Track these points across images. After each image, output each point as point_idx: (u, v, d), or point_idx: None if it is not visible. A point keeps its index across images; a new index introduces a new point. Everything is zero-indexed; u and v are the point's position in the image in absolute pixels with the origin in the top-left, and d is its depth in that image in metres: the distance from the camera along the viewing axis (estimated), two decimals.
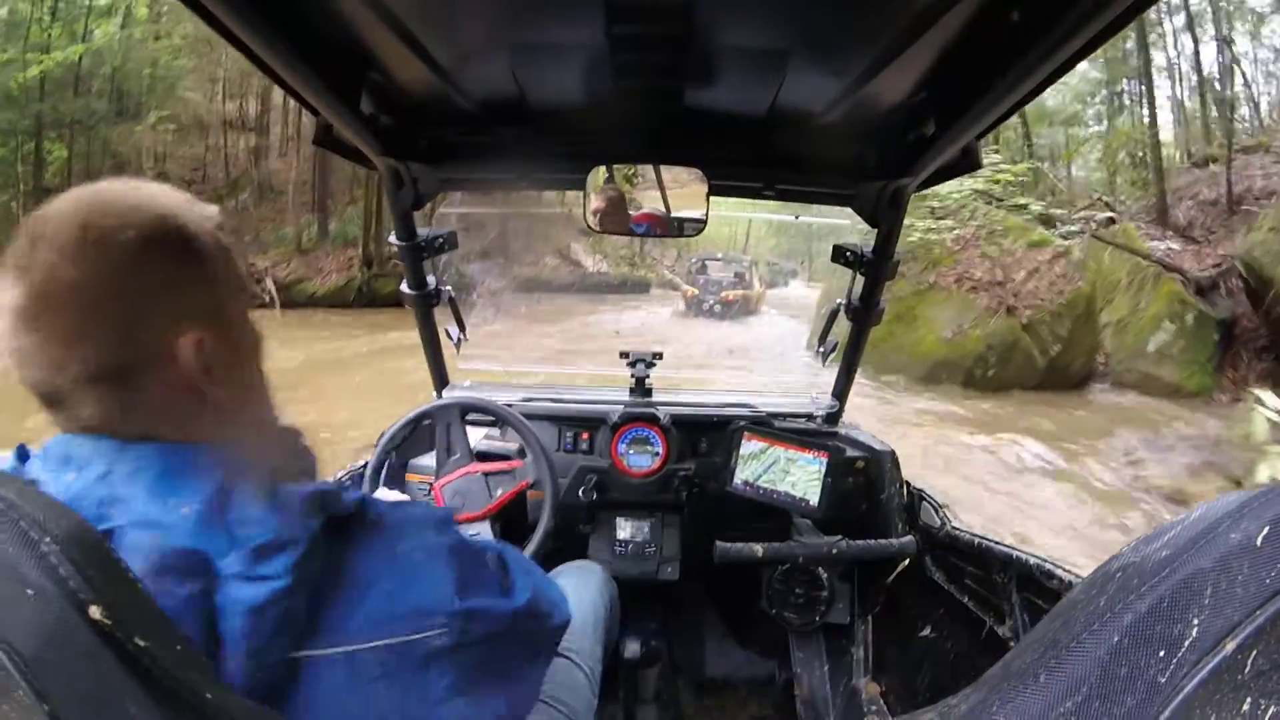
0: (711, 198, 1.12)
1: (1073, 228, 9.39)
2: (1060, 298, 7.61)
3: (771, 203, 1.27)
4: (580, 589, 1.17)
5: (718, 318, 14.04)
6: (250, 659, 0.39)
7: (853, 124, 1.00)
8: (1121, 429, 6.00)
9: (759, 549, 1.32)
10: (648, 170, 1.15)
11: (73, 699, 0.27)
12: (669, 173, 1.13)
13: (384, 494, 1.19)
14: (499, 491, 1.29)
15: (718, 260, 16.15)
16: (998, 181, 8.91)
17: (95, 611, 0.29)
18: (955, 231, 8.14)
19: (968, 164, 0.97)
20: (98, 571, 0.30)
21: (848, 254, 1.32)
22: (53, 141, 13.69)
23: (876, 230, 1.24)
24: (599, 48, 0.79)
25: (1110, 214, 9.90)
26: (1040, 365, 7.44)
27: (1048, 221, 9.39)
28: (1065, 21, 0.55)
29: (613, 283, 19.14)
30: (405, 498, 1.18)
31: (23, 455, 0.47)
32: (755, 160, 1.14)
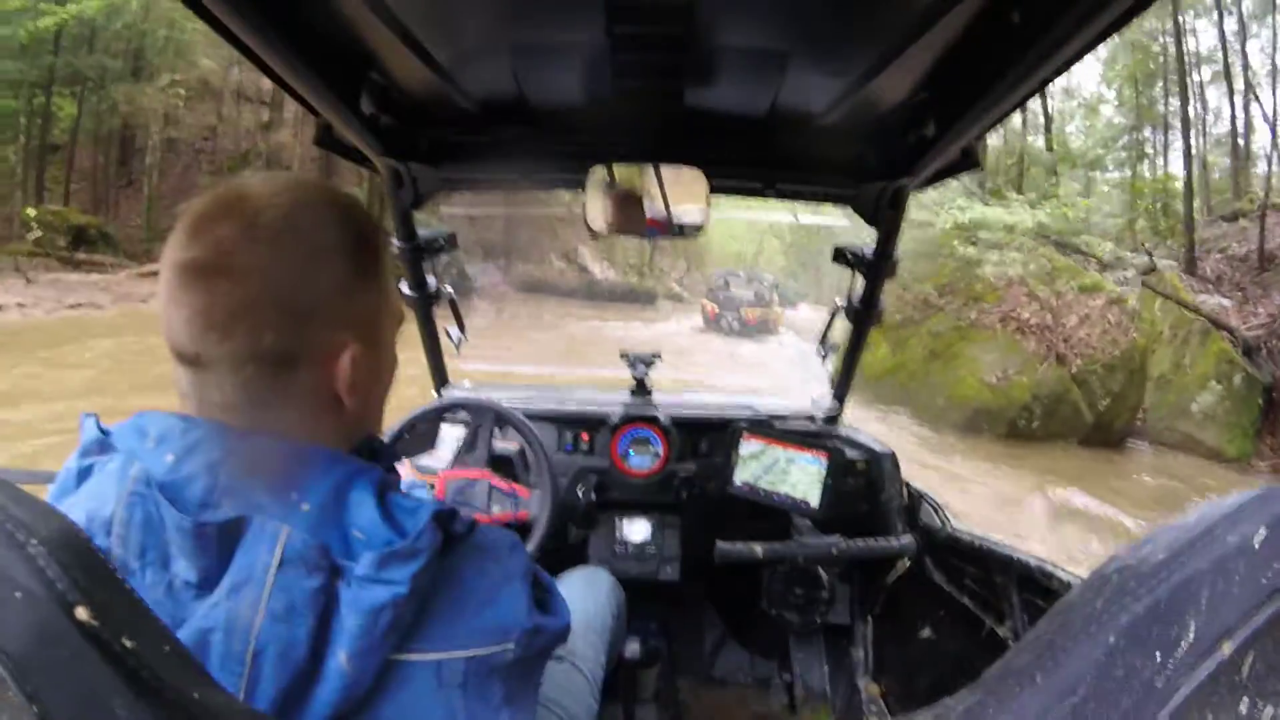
0: (711, 200, 1.12)
1: (1127, 273, 9.01)
2: (1114, 348, 7.13)
3: (774, 212, 1.26)
4: (588, 594, 1.17)
5: (738, 335, 13.93)
6: (357, 657, 0.41)
7: (853, 124, 1.00)
8: (1185, 497, 5.75)
9: (759, 549, 1.32)
10: (649, 166, 1.15)
11: (62, 700, 0.27)
12: (669, 173, 1.13)
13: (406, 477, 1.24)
14: (495, 509, 1.28)
15: (739, 277, 16.08)
16: (1065, 215, 8.58)
17: (82, 612, 0.29)
18: (1029, 266, 7.76)
19: (967, 164, 0.97)
20: (84, 573, 0.30)
21: (848, 255, 1.32)
22: (63, 97, 13.23)
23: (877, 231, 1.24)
24: (599, 48, 0.79)
25: (1154, 262, 9.43)
26: (1088, 420, 6.98)
27: (1100, 265, 9.07)
28: (1065, 21, 0.55)
29: (619, 290, 19.00)
30: (423, 487, 1.21)
31: (100, 428, 0.47)
32: (755, 160, 1.14)
